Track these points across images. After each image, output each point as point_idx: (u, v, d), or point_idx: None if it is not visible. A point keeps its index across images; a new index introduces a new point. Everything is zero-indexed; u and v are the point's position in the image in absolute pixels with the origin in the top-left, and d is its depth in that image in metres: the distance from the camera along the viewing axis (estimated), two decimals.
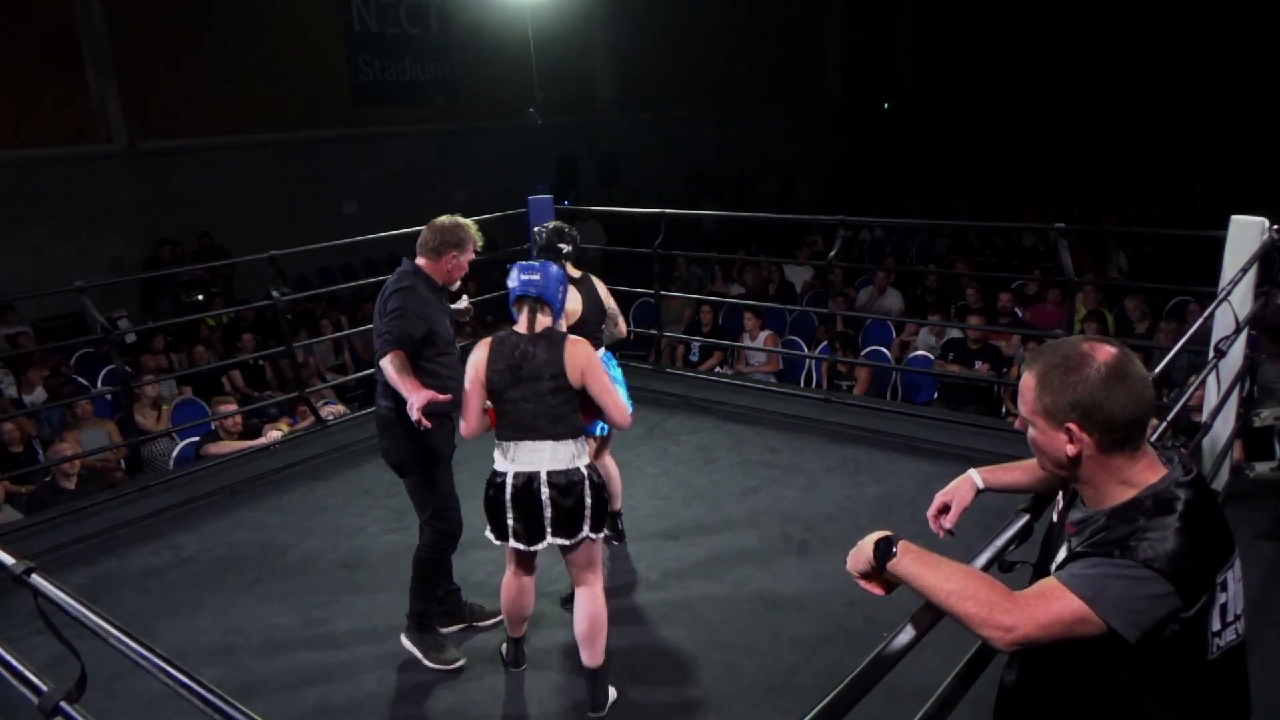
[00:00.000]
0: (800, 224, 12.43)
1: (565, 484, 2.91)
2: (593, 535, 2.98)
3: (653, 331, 6.90)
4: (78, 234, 10.07)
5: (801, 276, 10.15)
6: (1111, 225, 11.66)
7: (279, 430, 5.73)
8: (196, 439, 5.85)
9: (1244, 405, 4.18)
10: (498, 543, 3.03)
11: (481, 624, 3.56)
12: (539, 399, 2.90)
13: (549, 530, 2.93)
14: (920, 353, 7.27)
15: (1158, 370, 2.78)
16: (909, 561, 1.46)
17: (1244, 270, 3.79)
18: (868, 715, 2.77)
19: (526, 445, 2.92)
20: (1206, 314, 3.38)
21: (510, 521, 2.96)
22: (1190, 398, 3.88)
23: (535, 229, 4.49)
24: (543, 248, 4.17)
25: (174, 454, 5.89)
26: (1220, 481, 4.10)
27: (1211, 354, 3.77)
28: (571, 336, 2.99)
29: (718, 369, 7.67)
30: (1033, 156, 18.99)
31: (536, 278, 2.99)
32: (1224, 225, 4.06)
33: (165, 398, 6.94)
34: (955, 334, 7.20)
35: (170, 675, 1.54)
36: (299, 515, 4.65)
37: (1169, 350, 3.02)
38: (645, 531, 4.21)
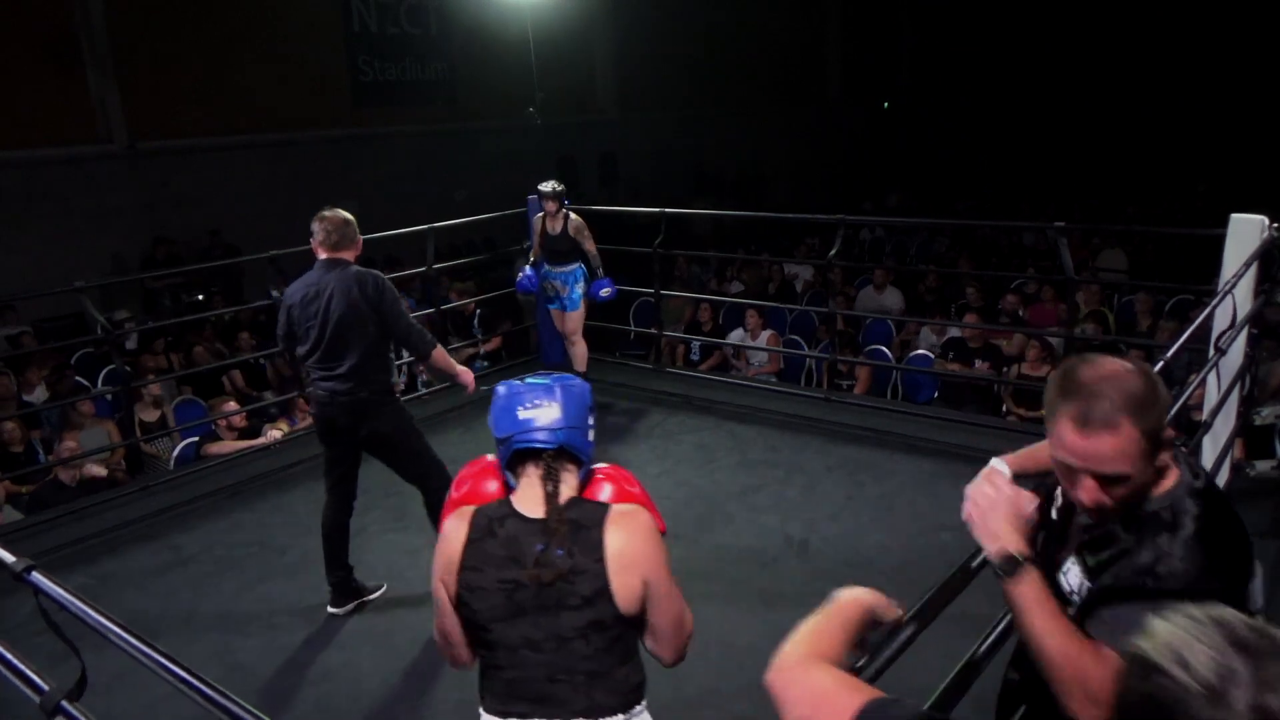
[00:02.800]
0: (799, 224, 12.41)
1: None
2: None
3: (652, 331, 6.89)
4: (78, 234, 10.07)
5: (802, 275, 10.15)
6: (1108, 225, 11.67)
7: (279, 430, 5.73)
8: (196, 439, 5.86)
9: (1244, 404, 4.18)
10: None
11: (370, 598, 3.81)
12: (560, 645, 1.64)
13: None
14: (920, 352, 7.27)
15: (1158, 368, 2.78)
16: (1027, 593, 1.34)
17: (1245, 267, 3.79)
18: None
19: None
20: (1206, 312, 3.38)
21: None
22: (1190, 396, 3.88)
23: (540, 189, 5.64)
24: (562, 195, 5.57)
25: (174, 454, 5.89)
26: (1221, 480, 4.10)
27: (1212, 352, 3.77)
28: (616, 509, 1.68)
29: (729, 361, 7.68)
30: (1033, 156, 18.99)
31: (557, 413, 1.66)
32: (1224, 224, 4.06)
33: (165, 398, 6.94)
34: (955, 333, 7.20)
35: (171, 672, 1.54)
36: (299, 515, 4.64)
37: (1170, 349, 3.02)
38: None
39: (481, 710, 1.75)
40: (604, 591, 1.60)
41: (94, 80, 10.29)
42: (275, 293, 5.49)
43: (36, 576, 1.79)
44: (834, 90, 21.00)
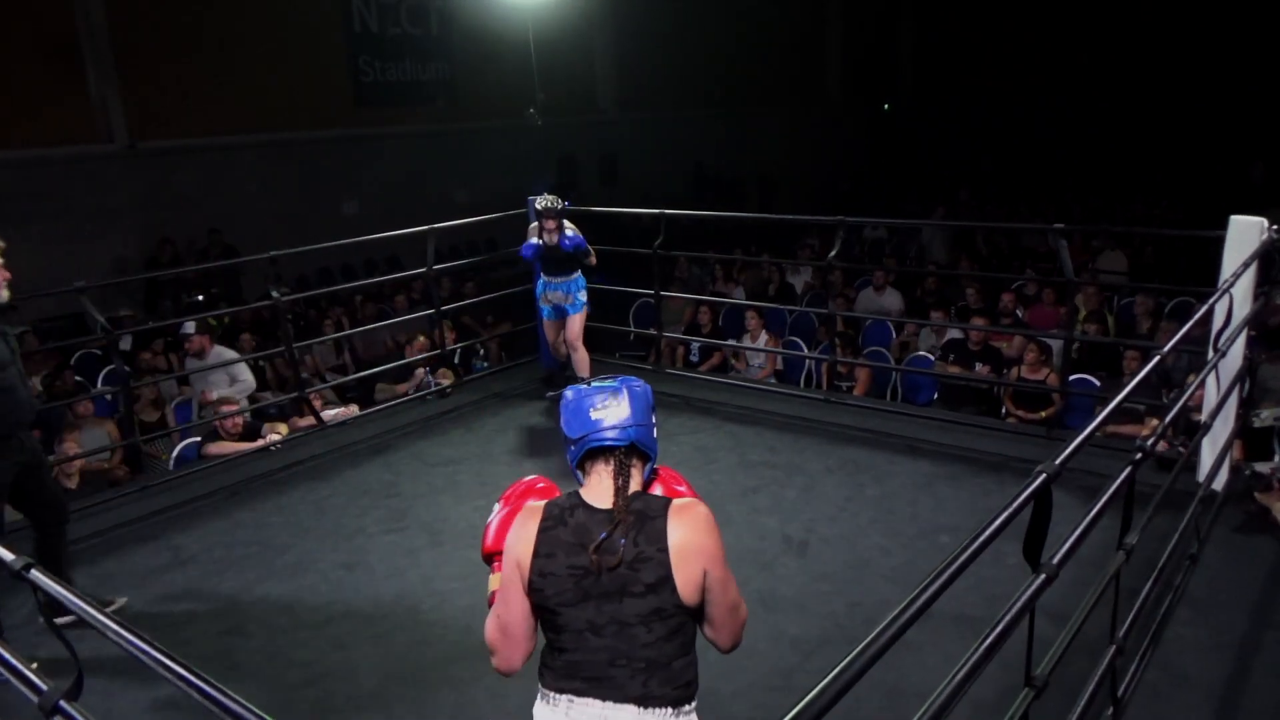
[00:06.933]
0: (799, 225, 12.41)
1: None
2: None
3: (652, 332, 6.90)
4: (78, 234, 10.07)
5: (802, 278, 10.15)
6: (1108, 227, 11.66)
7: (277, 434, 5.71)
8: (197, 439, 5.85)
9: (1243, 405, 4.18)
10: None
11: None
12: (621, 630, 1.71)
13: None
14: (920, 353, 7.28)
15: (1150, 366, 2.79)
16: None
17: (1244, 268, 3.79)
18: (868, 715, 2.78)
19: (590, 707, 1.73)
20: (1203, 310, 3.38)
21: None
22: (1190, 398, 3.88)
23: (537, 207, 5.56)
24: (562, 213, 5.44)
25: (174, 454, 5.89)
26: (1220, 481, 4.11)
27: (1211, 353, 3.77)
28: (677, 502, 1.78)
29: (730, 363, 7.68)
30: (1033, 156, 18.99)
31: (626, 412, 1.79)
32: (1224, 225, 4.06)
33: (165, 398, 6.94)
34: (955, 334, 7.20)
35: (172, 670, 1.54)
36: (299, 515, 4.65)
37: (1165, 348, 3.02)
38: None
39: (540, 687, 1.81)
40: (667, 579, 1.69)
41: (94, 80, 10.28)
42: (275, 293, 5.49)
43: (36, 574, 1.79)
44: (834, 91, 21.00)
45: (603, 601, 1.71)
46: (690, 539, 1.71)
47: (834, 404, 5.85)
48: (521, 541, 1.77)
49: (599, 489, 1.78)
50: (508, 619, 1.80)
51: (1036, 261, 10.39)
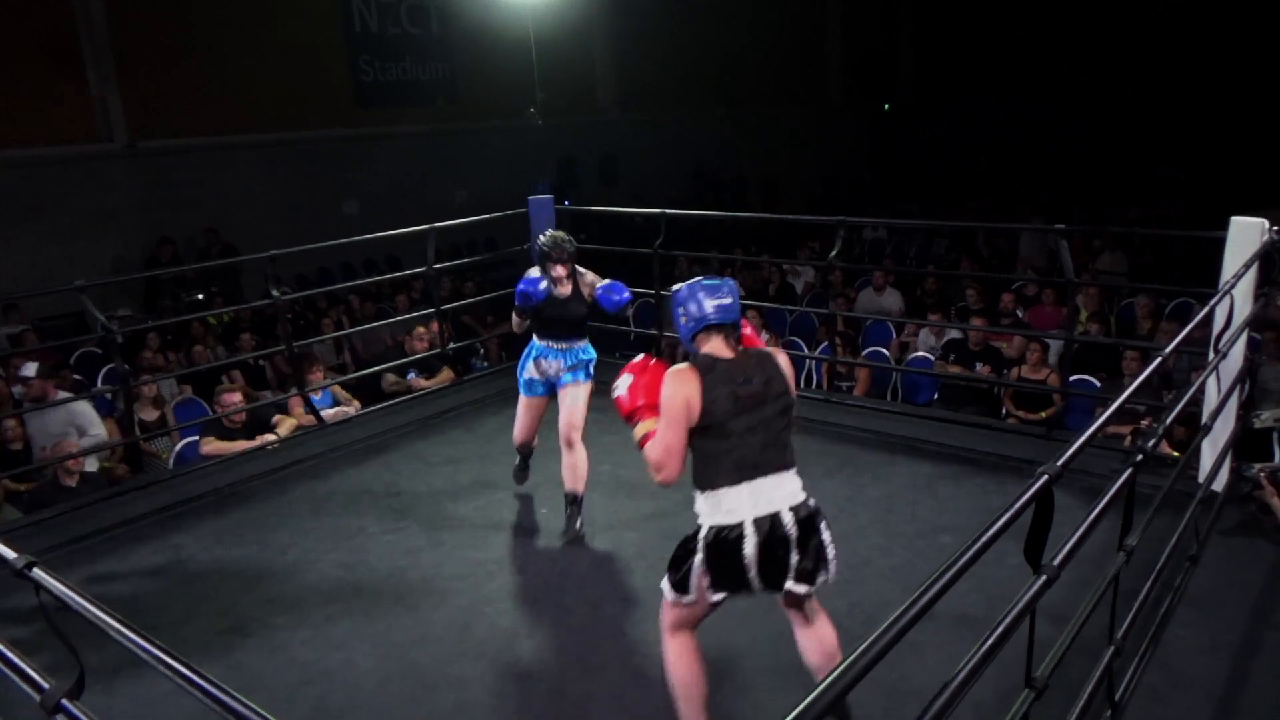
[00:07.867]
0: (799, 225, 12.42)
1: (808, 518, 2.56)
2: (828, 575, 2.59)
3: (653, 331, 6.89)
4: (78, 234, 10.08)
5: (802, 279, 10.15)
6: (1109, 228, 11.67)
7: (277, 434, 5.68)
8: (197, 438, 5.84)
9: (1243, 407, 4.18)
10: (716, 598, 2.57)
11: None
12: (767, 427, 2.56)
13: (790, 577, 2.51)
14: (920, 353, 7.28)
15: (1152, 367, 2.79)
16: None
17: (1245, 269, 3.79)
18: (868, 715, 2.77)
19: (763, 483, 2.53)
20: (1204, 312, 3.38)
21: (753, 578, 2.52)
22: (1190, 398, 3.88)
23: (541, 245, 4.16)
24: (571, 255, 4.08)
25: (174, 453, 5.88)
26: (1220, 482, 4.11)
27: (1212, 354, 3.77)
28: (773, 349, 2.71)
29: None
30: (1033, 157, 18.99)
31: (729, 301, 2.63)
32: (1225, 226, 4.06)
33: (165, 397, 6.94)
34: (955, 334, 7.20)
35: (173, 669, 1.54)
36: (298, 515, 4.65)
37: (1166, 349, 3.02)
38: (646, 533, 4.21)
39: (711, 491, 2.54)
40: (786, 390, 2.61)
41: (94, 80, 10.29)
42: (275, 292, 5.49)
43: (38, 573, 1.79)
44: (834, 91, 21.01)
45: (753, 410, 2.53)
46: (787, 366, 2.65)
47: (834, 404, 5.84)
48: (689, 388, 2.52)
49: (720, 350, 2.60)
50: (673, 443, 2.54)
51: (1036, 263, 10.39)
